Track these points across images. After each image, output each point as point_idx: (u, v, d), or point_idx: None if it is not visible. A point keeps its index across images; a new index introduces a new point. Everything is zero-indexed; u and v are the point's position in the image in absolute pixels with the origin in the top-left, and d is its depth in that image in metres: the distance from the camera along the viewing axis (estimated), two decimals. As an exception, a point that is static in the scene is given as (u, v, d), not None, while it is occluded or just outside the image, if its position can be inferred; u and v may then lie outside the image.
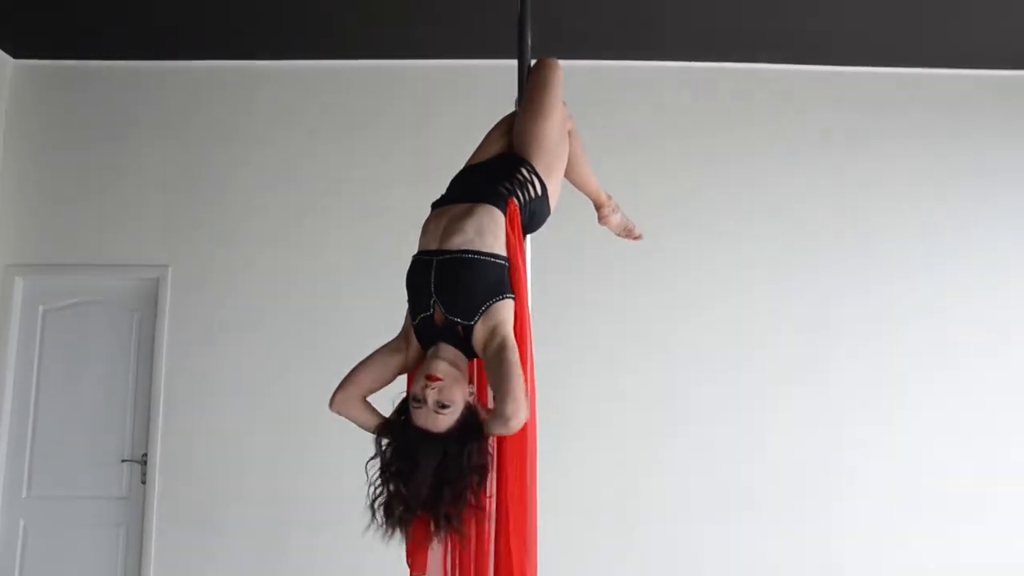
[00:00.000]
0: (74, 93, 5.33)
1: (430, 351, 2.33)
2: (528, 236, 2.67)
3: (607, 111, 5.18)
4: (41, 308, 5.19)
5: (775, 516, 4.96)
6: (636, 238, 3.28)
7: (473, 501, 2.23)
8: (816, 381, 5.08)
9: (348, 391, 2.45)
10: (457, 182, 2.63)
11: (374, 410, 2.43)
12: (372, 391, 2.45)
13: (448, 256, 2.33)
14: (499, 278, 2.34)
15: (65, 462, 5.05)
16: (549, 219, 2.67)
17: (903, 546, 4.94)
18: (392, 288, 5.32)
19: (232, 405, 5.05)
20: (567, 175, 2.87)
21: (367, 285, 5.09)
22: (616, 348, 5.08)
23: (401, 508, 2.23)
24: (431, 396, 2.19)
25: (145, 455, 5.02)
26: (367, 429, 2.41)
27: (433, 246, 2.39)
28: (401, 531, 2.27)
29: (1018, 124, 5.34)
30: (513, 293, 2.36)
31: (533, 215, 2.57)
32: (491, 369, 2.25)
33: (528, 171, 2.55)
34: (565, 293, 4.98)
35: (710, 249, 5.19)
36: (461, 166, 2.76)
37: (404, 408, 2.29)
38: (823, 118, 5.33)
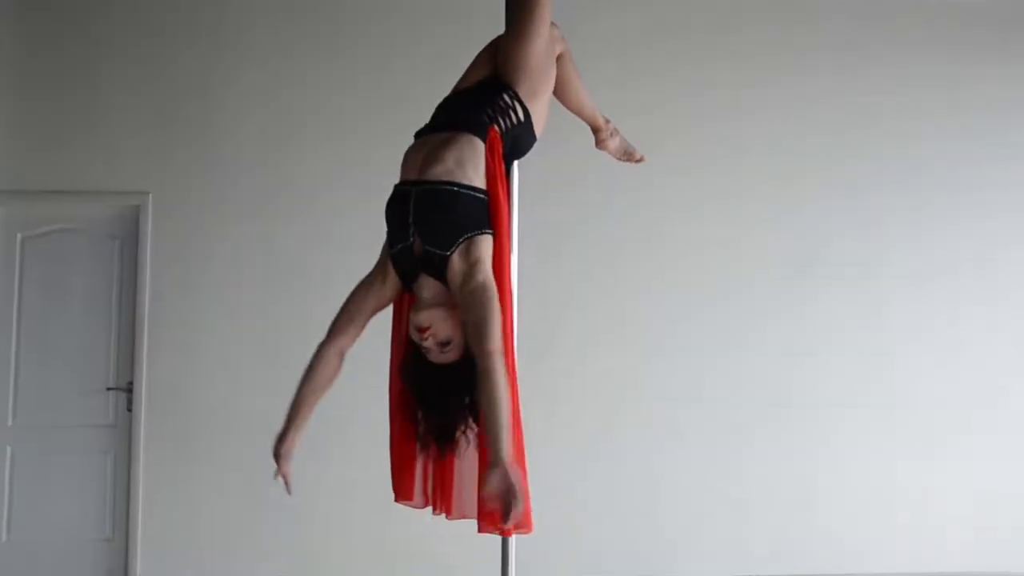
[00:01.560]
0: (50, 14, 5.16)
1: (414, 288, 2.34)
2: (514, 163, 2.62)
3: (593, 30, 5.06)
4: (20, 236, 5.11)
5: (758, 443, 5.03)
6: (637, 161, 3.20)
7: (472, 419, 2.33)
8: (801, 311, 5.11)
9: (339, 343, 2.58)
10: (440, 110, 2.57)
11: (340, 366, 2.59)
12: (356, 338, 2.56)
13: (427, 186, 2.31)
14: (478, 212, 2.32)
15: (50, 390, 5.04)
16: (536, 145, 2.61)
17: (882, 471, 5.04)
18: (377, 211, 5.30)
19: (217, 332, 5.03)
20: (561, 100, 2.80)
21: (351, 208, 5.02)
22: (602, 279, 5.07)
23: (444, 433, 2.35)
24: (430, 344, 2.29)
25: (130, 383, 5.02)
26: (325, 382, 2.60)
27: (413, 176, 2.36)
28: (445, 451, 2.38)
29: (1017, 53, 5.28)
30: (492, 228, 2.34)
31: (516, 142, 2.52)
32: (469, 307, 2.23)
33: (510, 97, 2.49)
34: (551, 223, 4.93)
35: (698, 180, 5.15)
36: (450, 89, 2.68)
37: (416, 350, 2.35)
38: (820, 45, 5.23)
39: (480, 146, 2.37)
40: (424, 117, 2.60)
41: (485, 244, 2.31)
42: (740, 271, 5.12)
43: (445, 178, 2.30)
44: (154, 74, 5.15)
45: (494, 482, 2.04)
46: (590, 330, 5.05)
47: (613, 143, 3.12)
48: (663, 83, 5.18)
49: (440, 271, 2.29)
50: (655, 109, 5.16)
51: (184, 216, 5.08)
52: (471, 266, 2.25)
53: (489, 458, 2.09)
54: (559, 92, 2.73)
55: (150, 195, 5.08)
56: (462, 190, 2.30)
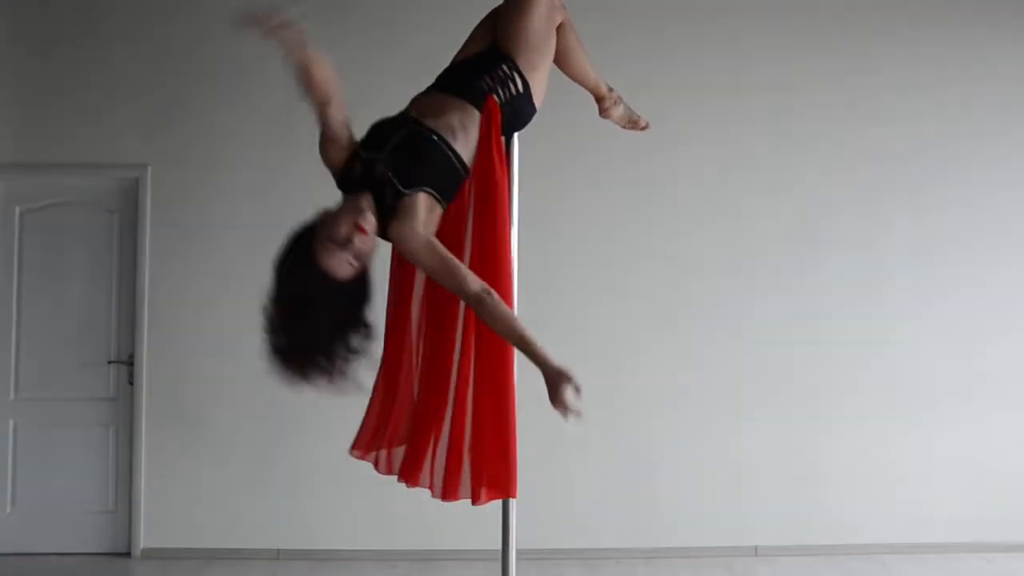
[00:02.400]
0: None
1: (359, 196, 2.28)
2: (514, 135, 2.61)
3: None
4: (18, 209, 5.10)
5: (757, 416, 5.05)
6: (643, 128, 3.18)
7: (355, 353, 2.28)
8: (801, 286, 5.10)
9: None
10: (440, 79, 2.56)
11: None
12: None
13: (425, 130, 2.32)
14: (448, 180, 2.34)
15: (52, 364, 5.05)
16: (535, 117, 2.59)
17: (880, 444, 5.06)
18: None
19: (217, 304, 5.02)
20: (563, 69, 2.78)
21: (351, 184, 5.03)
22: (601, 252, 5.06)
23: (291, 347, 2.26)
24: (355, 245, 2.19)
25: (131, 356, 5.03)
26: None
27: (414, 114, 2.39)
28: (297, 374, 2.29)
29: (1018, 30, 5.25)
30: (447, 204, 2.35)
31: (515, 113, 2.51)
32: (427, 263, 2.26)
33: (509, 67, 2.47)
34: (552, 192, 4.92)
35: (698, 156, 5.13)
36: (454, 56, 2.66)
37: (301, 241, 2.28)
38: (827, 14, 5.20)
39: (476, 117, 2.39)
40: (429, 82, 2.59)
41: (433, 209, 2.31)
42: (740, 246, 5.11)
43: (441, 132, 2.32)
44: (152, 46, 5.10)
45: (557, 389, 2.09)
46: (589, 303, 5.05)
47: (617, 111, 3.10)
48: (664, 56, 5.13)
49: (382, 204, 2.26)
50: (654, 84, 5.12)
51: (183, 189, 5.07)
52: (415, 225, 2.25)
53: (543, 373, 2.13)
54: (560, 61, 2.71)
55: (149, 168, 5.06)
56: (449, 152, 2.32)
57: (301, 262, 2.27)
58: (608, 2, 5.07)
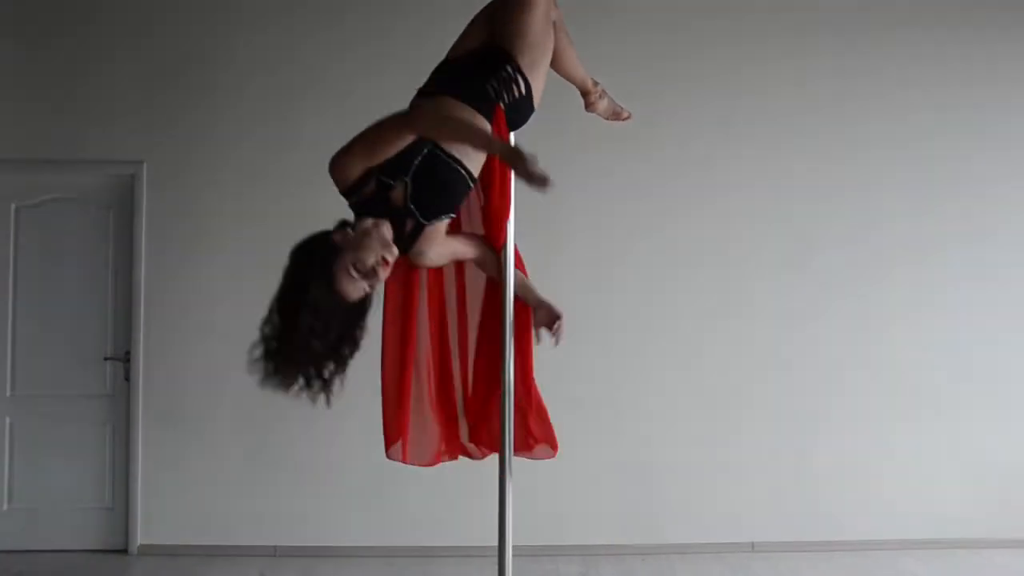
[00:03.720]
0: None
1: (381, 224, 2.30)
2: (512, 133, 2.61)
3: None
4: (14, 205, 5.09)
5: (753, 412, 5.06)
6: (625, 119, 3.22)
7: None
8: (797, 281, 5.12)
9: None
10: (441, 77, 2.54)
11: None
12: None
13: (441, 156, 2.32)
14: (462, 197, 2.45)
15: (48, 361, 5.05)
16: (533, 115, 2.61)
17: (876, 440, 5.08)
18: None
19: (213, 300, 5.03)
20: (554, 67, 2.78)
21: (348, 181, 5.03)
22: (596, 247, 5.06)
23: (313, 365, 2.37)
24: (381, 276, 2.26)
25: (128, 352, 5.03)
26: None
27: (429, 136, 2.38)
28: (280, 377, 2.39)
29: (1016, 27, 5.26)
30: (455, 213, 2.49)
31: (517, 113, 2.53)
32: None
33: (512, 69, 2.47)
34: (549, 193, 4.91)
35: (695, 147, 5.14)
36: (450, 49, 2.65)
37: (323, 265, 2.29)
38: (824, 12, 5.21)
39: (487, 126, 2.41)
40: (420, 79, 2.60)
41: (444, 227, 2.46)
42: (735, 244, 5.12)
43: (458, 156, 2.34)
44: (149, 43, 5.10)
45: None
46: (585, 302, 5.04)
47: (602, 104, 3.11)
48: (661, 56, 5.14)
49: (401, 232, 2.33)
50: (651, 83, 5.14)
51: (179, 185, 5.07)
52: (444, 244, 2.46)
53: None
54: (553, 60, 2.71)
55: (144, 164, 5.06)
56: (467, 175, 2.38)
57: (316, 277, 2.30)
58: (606, 2, 5.07)
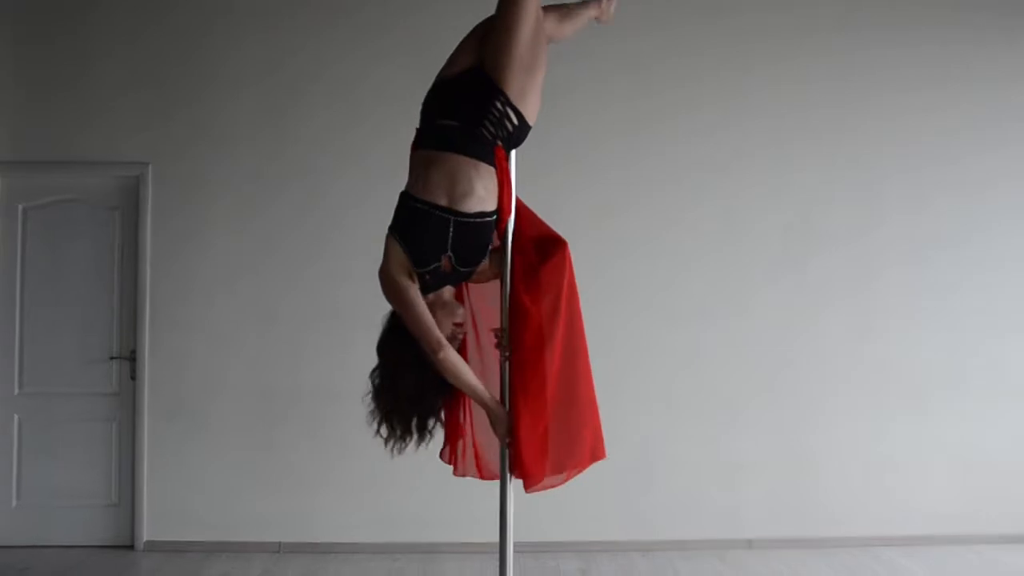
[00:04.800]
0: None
1: (445, 293, 2.62)
2: (512, 151, 2.68)
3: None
4: (21, 206, 5.14)
5: (751, 409, 5.10)
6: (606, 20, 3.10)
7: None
8: (794, 279, 5.16)
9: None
10: (434, 111, 2.61)
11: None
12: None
13: (467, 220, 2.51)
14: (492, 235, 2.64)
15: (55, 359, 5.11)
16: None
17: (873, 437, 5.12)
18: (376, 179, 5.34)
19: (218, 300, 5.08)
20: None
21: (349, 177, 5.09)
22: (595, 246, 5.08)
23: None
24: (459, 336, 2.61)
25: (133, 352, 5.08)
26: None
27: (443, 202, 2.50)
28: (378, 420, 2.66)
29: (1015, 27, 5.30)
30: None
31: (514, 139, 2.63)
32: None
33: (502, 104, 2.54)
34: (546, 191, 4.95)
35: (694, 149, 5.17)
36: (447, 56, 2.70)
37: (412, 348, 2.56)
38: (823, 12, 5.25)
39: (492, 171, 2.54)
40: (422, 84, 2.65)
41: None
42: (734, 242, 5.15)
43: (478, 208, 2.52)
44: (153, 45, 5.14)
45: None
46: (583, 297, 5.06)
47: (611, 9, 3.07)
48: (663, 56, 5.18)
49: (457, 279, 2.63)
50: (652, 83, 5.17)
51: (184, 186, 5.11)
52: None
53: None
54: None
55: (150, 165, 5.10)
56: (489, 219, 2.56)
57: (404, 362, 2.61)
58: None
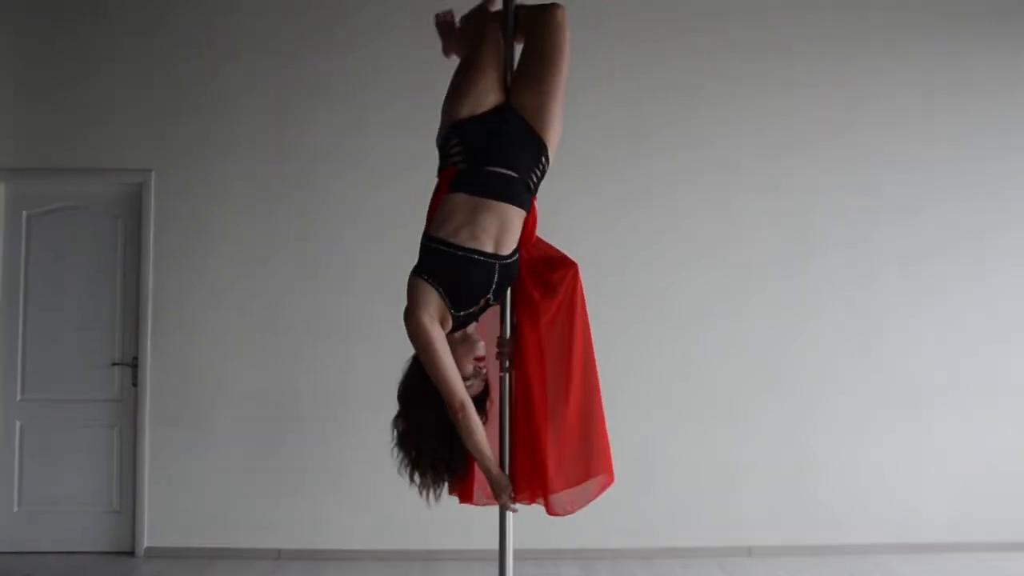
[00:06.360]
0: (48, -9, 5.19)
1: (466, 333, 2.62)
2: None
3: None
4: (25, 213, 5.17)
5: (749, 416, 5.11)
6: None
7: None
8: (792, 285, 5.17)
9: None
10: (477, 153, 2.56)
11: None
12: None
13: (507, 261, 2.58)
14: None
15: (57, 366, 5.13)
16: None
17: (872, 444, 5.12)
18: (381, 187, 5.35)
19: (220, 307, 5.10)
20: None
21: (352, 184, 5.10)
22: (597, 250, 5.09)
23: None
24: (482, 372, 2.62)
25: (135, 358, 5.10)
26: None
27: (489, 249, 2.53)
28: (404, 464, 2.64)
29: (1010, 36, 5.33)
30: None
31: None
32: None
33: (545, 159, 2.64)
34: (547, 196, 4.96)
35: (691, 157, 5.19)
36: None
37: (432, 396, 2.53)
38: (820, 18, 5.28)
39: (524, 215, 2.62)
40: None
41: None
42: (732, 247, 5.16)
43: (513, 247, 2.59)
44: (156, 52, 5.17)
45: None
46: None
47: None
48: (661, 63, 5.20)
49: (481, 312, 2.64)
50: (650, 90, 5.19)
51: (186, 193, 5.13)
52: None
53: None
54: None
55: (153, 172, 5.13)
56: (518, 254, 2.64)
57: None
58: (605, 11, 5.13)
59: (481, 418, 2.59)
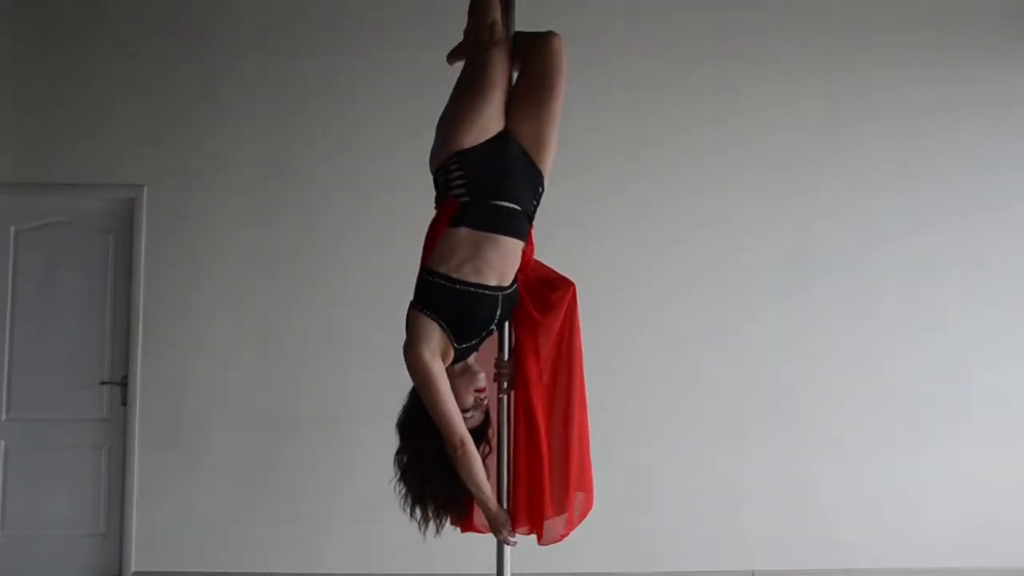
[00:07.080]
0: (46, 8, 5.14)
1: (470, 361, 2.59)
2: None
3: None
4: (14, 229, 5.10)
5: (751, 438, 5.04)
6: None
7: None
8: (794, 306, 5.12)
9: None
10: (480, 186, 2.52)
11: None
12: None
13: (508, 292, 2.58)
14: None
15: (44, 385, 5.03)
16: None
17: (875, 466, 5.06)
18: (372, 201, 5.31)
19: (211, 325, 5.03)
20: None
21: (346, 201, 5.06)
22: (598, 270, 5.06)
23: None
24: (483, 402, 2.58)
25: (125, 377, 5.01)
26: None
27: (493, 282, 2.52)
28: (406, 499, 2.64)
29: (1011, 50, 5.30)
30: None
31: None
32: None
33: (542, 188, 2.67)
34: (545, 213, 4.92)
35: (691, 175, 5.16)
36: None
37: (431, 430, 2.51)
38: (821, 36, 5.26)
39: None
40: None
41: None
42: (735, 267, 5.12)
43: (513, 277, 2.59)
44: (148, 67, 5.13)
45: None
46: (583, 323, 5.04)
47: None
48: (659, 81, 5.18)
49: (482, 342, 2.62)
50: (649, 107, 5.17)
51: (178, 209, 5.08)
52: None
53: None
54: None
55: (144, 188, 5.07)
56: (518, 287, 2.64)
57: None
58: (603, 28, 5.12)
59: (483, 449, 2.57)
